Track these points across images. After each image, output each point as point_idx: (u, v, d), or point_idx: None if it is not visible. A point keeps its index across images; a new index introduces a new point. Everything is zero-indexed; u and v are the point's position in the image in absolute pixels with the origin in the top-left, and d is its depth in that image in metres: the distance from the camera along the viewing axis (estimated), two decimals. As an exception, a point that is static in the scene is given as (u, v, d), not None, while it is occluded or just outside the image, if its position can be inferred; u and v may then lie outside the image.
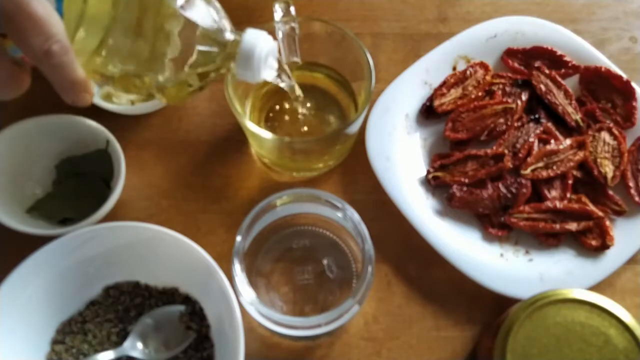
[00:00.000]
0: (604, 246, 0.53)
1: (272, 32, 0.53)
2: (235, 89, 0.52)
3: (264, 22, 0.55)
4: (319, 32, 0.56)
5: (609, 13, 0.68)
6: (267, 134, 0.50)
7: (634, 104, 0.58)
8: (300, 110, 0.58)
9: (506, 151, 0.56)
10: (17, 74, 0.37)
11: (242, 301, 0.46)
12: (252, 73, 0.44)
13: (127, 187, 0.55)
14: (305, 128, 0.58)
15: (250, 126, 0.50)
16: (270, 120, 0.59)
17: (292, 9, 0.55)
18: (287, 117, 0.59)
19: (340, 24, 0.57)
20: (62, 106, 0.55)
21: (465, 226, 0.56)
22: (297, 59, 0.56)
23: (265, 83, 0.58)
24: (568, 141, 0.56)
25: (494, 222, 0.55)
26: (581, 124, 0.58)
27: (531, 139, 0.57)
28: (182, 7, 0.40)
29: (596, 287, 0.52)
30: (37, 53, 0.35)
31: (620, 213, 0.55)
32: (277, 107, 0.59)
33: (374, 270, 0.47)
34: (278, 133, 0.58)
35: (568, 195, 0.55)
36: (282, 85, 0.50)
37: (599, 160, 0.56)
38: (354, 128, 0.52)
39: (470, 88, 0.60)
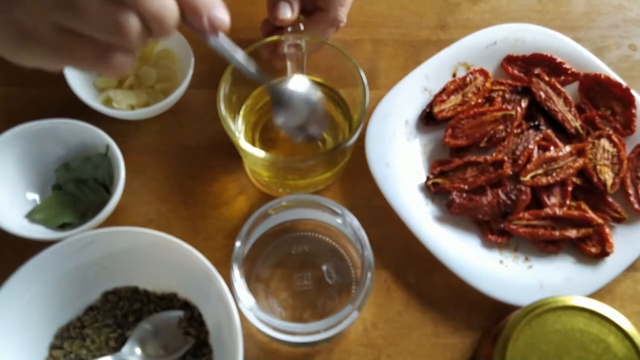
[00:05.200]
0: (603, 253, 0.53)
1: (279, 46, 0.53)
2: (228, 106, 0.51)
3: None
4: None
5: (608, 21, 0.68)
6: (260, 153, 0.49)
7: (633, 111, 0.58)
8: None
9: (506, 158, 0.56)
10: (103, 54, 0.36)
11: (241, 307, 0.46)
12: None
13: (127, 192, 0.55)
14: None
15: (245, 146, 0.49)
16: (264, 137, 0.57)
17: (302, 26, 0.54)
18: (282, 133, 0.57)
19: (340, 30, 0.57)
20: (62, 111, 0.56)
21: (465, 233, 0.55)
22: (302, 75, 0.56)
23: (260, 98, 0.57)
24: (567, 148, 0.56)
25: (494, 229, 0.55)
26: (581, 131, 0.58)
27: (531, 146, 0.57)
28: None
29: (596, 295, 0.52)
30: None
31: (619, 220, 0.55)
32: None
33: (374, 277, 0.47)
34: (273, 150, 0.56)
35: (567, 202, 0.55)
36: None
37: (598, 167, 0.56)
38: (348, 144, 0.51)
39: (470, 95, 0.60)
